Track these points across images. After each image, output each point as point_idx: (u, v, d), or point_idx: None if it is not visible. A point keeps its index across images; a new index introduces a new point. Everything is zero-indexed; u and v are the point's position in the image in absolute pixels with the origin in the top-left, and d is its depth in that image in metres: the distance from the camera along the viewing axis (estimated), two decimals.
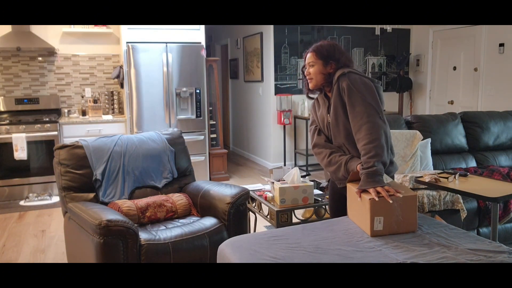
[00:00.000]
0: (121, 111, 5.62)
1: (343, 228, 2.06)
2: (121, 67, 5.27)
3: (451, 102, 6.31)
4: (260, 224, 3.72)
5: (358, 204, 2.01)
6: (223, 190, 2.80)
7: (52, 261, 3.30)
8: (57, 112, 5.37)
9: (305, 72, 2.24)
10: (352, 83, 2.06)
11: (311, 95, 2.35)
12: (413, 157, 3.34)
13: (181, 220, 2.75)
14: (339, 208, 2.35)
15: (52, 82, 5.46)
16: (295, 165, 6.45)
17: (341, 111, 2.14)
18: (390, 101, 6.94)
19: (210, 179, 5.54)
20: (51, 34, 5.35)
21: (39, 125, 4.85)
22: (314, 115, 2.37)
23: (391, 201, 1.89)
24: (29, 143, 4.78)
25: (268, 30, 6.20)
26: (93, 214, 2.33)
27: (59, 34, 5.40)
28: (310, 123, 2.42)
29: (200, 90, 5.26)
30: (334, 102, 2.16)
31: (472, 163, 3.69)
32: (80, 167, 2.78)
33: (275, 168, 3.33)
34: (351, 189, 2.06)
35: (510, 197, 2.54)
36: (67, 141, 3.25)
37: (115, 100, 5.60)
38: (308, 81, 2.23)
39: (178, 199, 2.86)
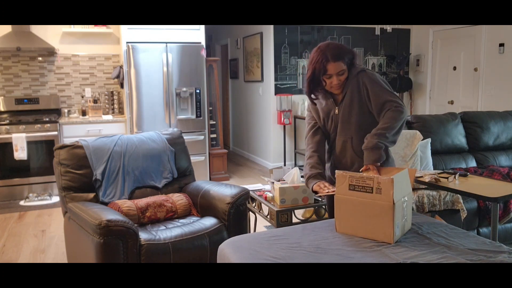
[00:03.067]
0: (121, 111, 5.62)
1: None
2: (121, 67, 5.28)
3: (451, 102, 6.31)
4: (260, 224, 3.72)
5: (366, 213, 1.90)
6: (223, 190, 2.80)
7: (52, 261, 3.30)
8: (57, 112, 5.37)
9: (333, 81, 2.17)
10: (373, 77, 2.19)
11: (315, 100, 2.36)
12: (413, 157, 3.34)
13: (181, 220, 2.75)
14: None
15: (52, 82, 5.46)
16: (295, 165, 6.45)
17: (356, 105, 2.19)
18: None
19: (210, 179, 5.54)
20: (51, 34, 5.35)
21: (39, 125, 4.85)
22: (313, 110, 2.37)
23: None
24: (29, 143, 4.78)
25: (268, 30, 6.20)
26: (93, 214, 2.33)
27: (59, 34, 5.40)
28: (309, 118, 2.44)
29: (200, 90, 5.26)
30: (350, 96, 2.19)
31: (472, 163, 3.69)
32: (80, 167, 2.78)
33: (275, 168, 3.33)
34: (348, 199, 1.95)
35: (510, 197, 2.54)
36: (67, 141, 3.25)
37: (115, 100, 5.60)
38: (337, 87, 2.20)
39: (178, 199, 2.86)
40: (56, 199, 4.84)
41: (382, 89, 2.16)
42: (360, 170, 2.11)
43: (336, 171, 2.03)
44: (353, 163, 2.24)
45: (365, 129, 2.20)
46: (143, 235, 2.39)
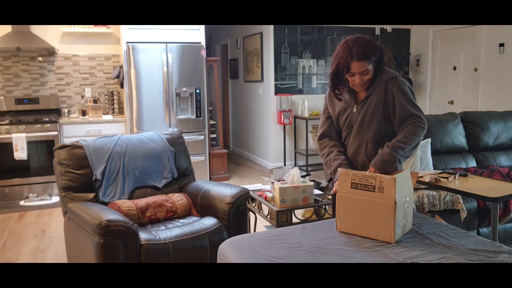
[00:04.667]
0: (121, 111, 5.62)
1: None
2: (121, 67, 5.28)
3: (451, 102, 6.31)
4: (260, 224, 3.72)
5: (367, 212, 1.91)
6: (223, 190, 2.80)
7: (52, 261, 3.30)
8: (57, 112, 5.37)
9: (355, 79, 2.11)
10: (403, 87, 2.14)
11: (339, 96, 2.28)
12: (413, 157, 3.34)
13: (181, 220, 2.75)
14: None
15: (52, 82, 5.46)
16: (295, 165, 6.45)
17: (381, 111, 2.14)
18: None
19: (210, 179, 5.54)
20: (51, 34, 5.35)
21: (39, 125, 4.85)
22: (330, 102, 2.31)
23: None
24: (29, 143, 4.78)
25: (268, 30, 6.20)
26: (93, 214, 2.33)
27: (59, 34, 5.40)
28: (322, 113, 2.38)
29: (200, 90, 5.26)
30: (376, 101, 2.14)
31: (472, 163, 3.69)
32: (80, 167, 2.78)
33: (275, 168, 3.33)
34: (351, 197, 1.96)
35: (510, 197, 2.54)
36: (67, 141, 3.25)
37: (115, 100, 5.60)
38: (359, 86, 2.15)
39: (178, 199, 2.86)
40: (56, 199, 4.84)
41: (409, 101, 2.12)
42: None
43: (339, 169, 2.02)
44: (363, 168, 2.18)
45: (382, 137, 2.15)
46: (143, 235, 2.39)
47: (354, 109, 2.20)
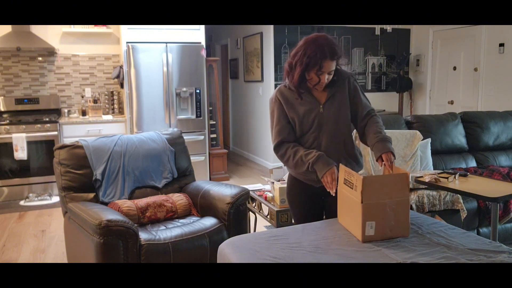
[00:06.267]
0: (121, 111, 5.62)
1: (343, 228, 2.06)
2: (121, 67, 5.28)
3: (451, 102, 6.32)
4: (260, 224, 3.72)
5: (349, 208, 1.95)
6: (223, 190, 2.80)
7: (52, 261, 3.30)
8: (57, 112, 5.37)
9: (322, 79, 2.09)
10: (358, 84, 2.27)
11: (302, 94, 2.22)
12: (413, 157, 3.34)
13: (181, 220, 2.75)
14: (316, 208, 2.33)
15: (52, 82, 5.46)
16: None
17: (347, 108, 2.20)
18: (390, 101, 6.94)
19: (210, 179, 5.54)
20: (51, 34, 5.36)
21: (39, 125, 4.85)
22: (288, 106, 2.25)
23: (390, 171, 1.93)
24: (29, 143, 4.78)
25: (268, 30, 6.20)
26: (93, 214, 2.33)
27: (59, 34, 5.41)
28: (278, 118, 2.29)
29: (200, 90, 5.26)
30: (343, 98, 2.18)
31: (472, 163, 3.69)
32: (80, 167, 2.78)
33: (275, 168, 3.33)
34: (343, 192, 2.00)
35: (510, 197, 2.54)
36: (67, 141, 3.25)
37: (115, 100, 5.60)
38: (322, 85, 2.13)
39: (178, 199, 2.86)
40: (56, 199, 4.84)
41: (365, 97, 2.25)
42: (385, 162, 2.04)
43: (340, 164, 2.03)
44: (346, 165, 2.12)
45: (351, 132, 2.22)
46: (143, 235, 2.39)
47: (321, 109, 2.17)
